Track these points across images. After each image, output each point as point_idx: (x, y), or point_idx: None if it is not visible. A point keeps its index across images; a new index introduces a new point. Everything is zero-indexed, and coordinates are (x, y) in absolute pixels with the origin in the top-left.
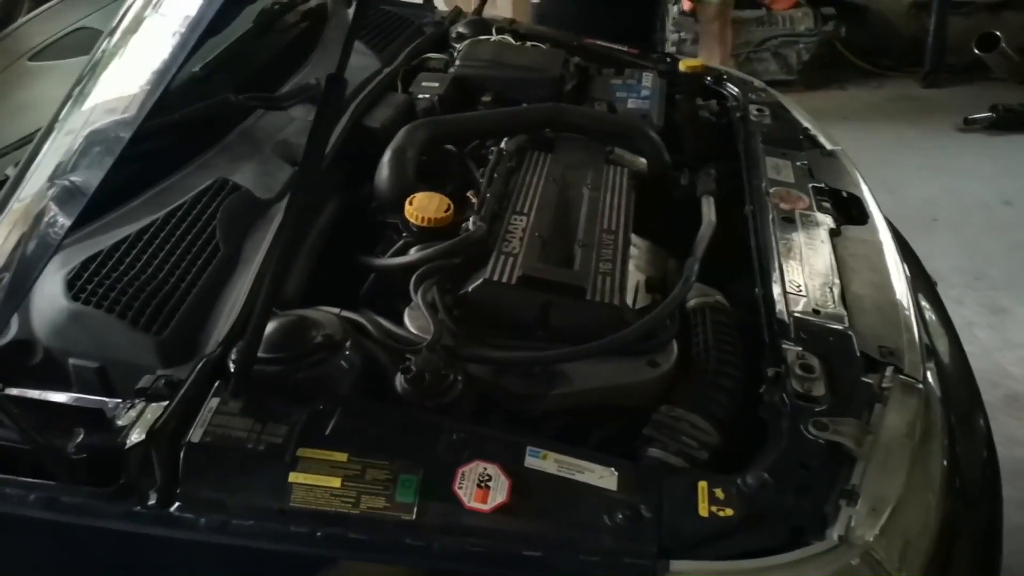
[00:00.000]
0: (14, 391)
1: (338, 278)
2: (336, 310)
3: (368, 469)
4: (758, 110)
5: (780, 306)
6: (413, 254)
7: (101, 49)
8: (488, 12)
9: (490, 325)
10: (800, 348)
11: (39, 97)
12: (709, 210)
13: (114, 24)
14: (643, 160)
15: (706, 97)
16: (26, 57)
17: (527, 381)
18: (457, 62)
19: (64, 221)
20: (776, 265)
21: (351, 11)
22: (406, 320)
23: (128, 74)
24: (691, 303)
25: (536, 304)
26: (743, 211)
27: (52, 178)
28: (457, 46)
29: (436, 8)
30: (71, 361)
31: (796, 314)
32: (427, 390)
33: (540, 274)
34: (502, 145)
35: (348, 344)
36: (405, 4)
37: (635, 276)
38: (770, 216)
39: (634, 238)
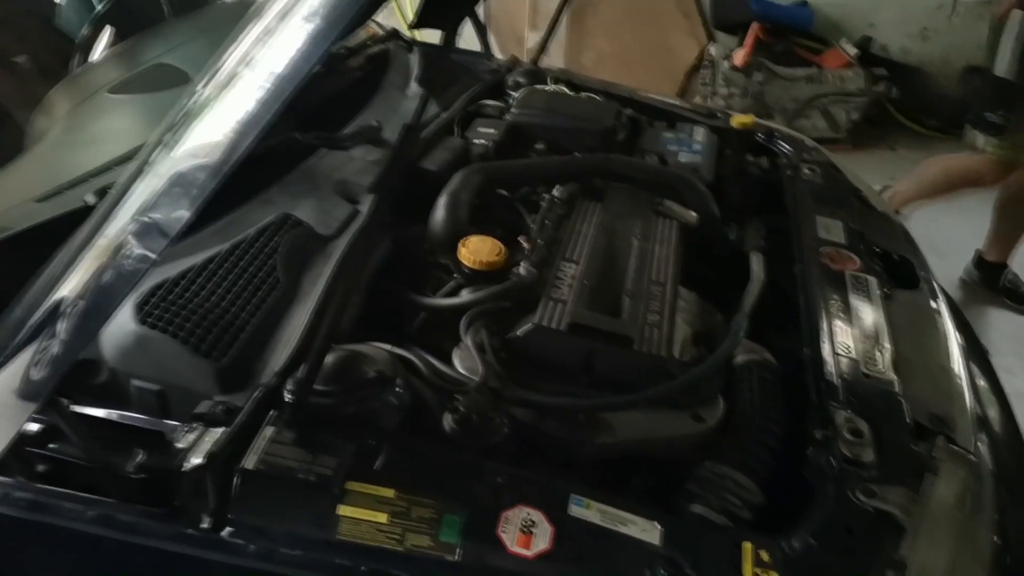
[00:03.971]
0: (80, 408)
1: (386, 314)
2: (387, 346)
3: (414, 507)
4: (809, 169)
5: (829, 367)
6: (464, 295)
7: (193, 99)
8: (540, 61)
9: (536, 370)
10: (849, 411)
11: (118, 128)
12: (758, 266)
13: (208, 76)
14: (692, 213)
15: (757, 154)
16: (106, 89)
17: (571, 428)
18: (513, 109)
19: (145, 254)
20: (825, 325)
21: (413, 57)
22: (454, 360)
23: (218, 125)
24: (738, 359)
25: (584, 351)
26: (792, 269)
27: (136, 216)
28: (513, 94)
29: (493, 56)
30: (133, 382)
31: (845, 376)
32: (474, 431)
33: (589, 322)
34: (554, 192)
35: (398, 381)
36: (463, 51)
37: (681, 328)
38: (820, 275)
39: (681, 290)
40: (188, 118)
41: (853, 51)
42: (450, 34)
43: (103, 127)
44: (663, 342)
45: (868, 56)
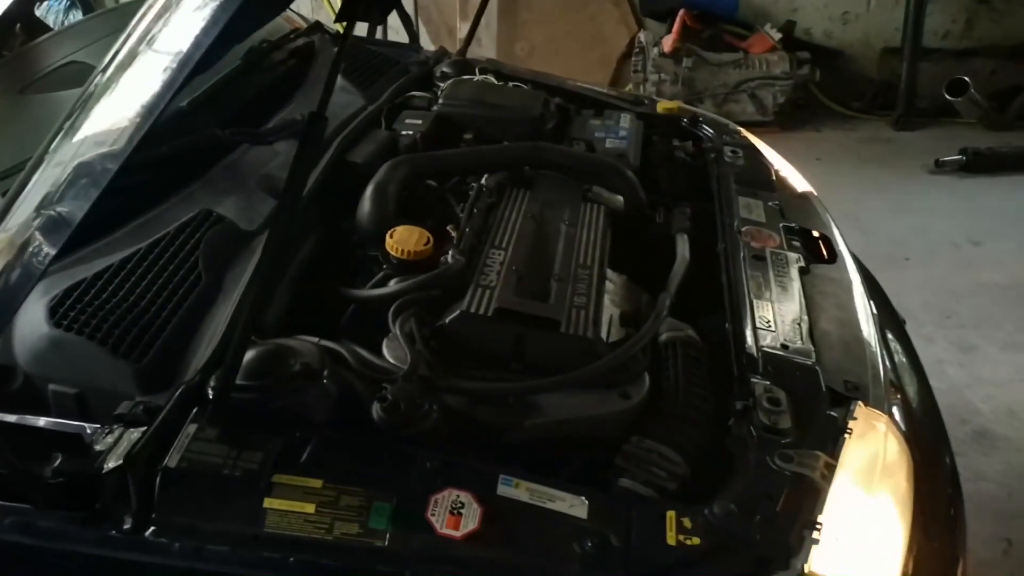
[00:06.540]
0: None
1: (320, 309)
2: (314, 339)
3: (342, 496)
4: (732, 152)
5: (749, 341)
6: (392, 286)
7: (93, 83)
8: (472, 52)
9: (466, 356)
10: (768, 382)
11: (28, 129)
12: (683, 247)
13: (107, 59)
14: (620, 198)
15: (682, 138)
16: (16, 90)
17: (501, 411)
18: (440, 100)
19: (48, 251)
20: (746, 301)
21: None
22: (384, 350)
23: (118, 108)
24: (663, 337)
25: (511, 336)
26: (716, 249)
27: (39, 208)
28: (441, 85)
29: (422, 48)
30: (50, 387)
31: (765, 349)
32: (402, 419)
33: (515, 307)
34: (482, 181)
35: (326, 373)
36: (391, 44)
37: (609, 310)
38: (741, 254)
39: (609, 273)
40: (88, 102)
41: (777, 36)
42: (375, 26)
43: (13, 128)
44: (590, 324)
45: (792, 40)
